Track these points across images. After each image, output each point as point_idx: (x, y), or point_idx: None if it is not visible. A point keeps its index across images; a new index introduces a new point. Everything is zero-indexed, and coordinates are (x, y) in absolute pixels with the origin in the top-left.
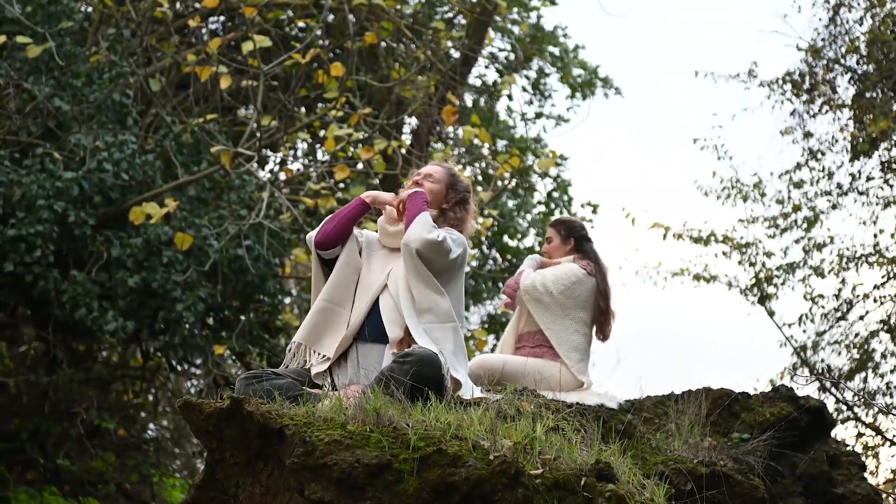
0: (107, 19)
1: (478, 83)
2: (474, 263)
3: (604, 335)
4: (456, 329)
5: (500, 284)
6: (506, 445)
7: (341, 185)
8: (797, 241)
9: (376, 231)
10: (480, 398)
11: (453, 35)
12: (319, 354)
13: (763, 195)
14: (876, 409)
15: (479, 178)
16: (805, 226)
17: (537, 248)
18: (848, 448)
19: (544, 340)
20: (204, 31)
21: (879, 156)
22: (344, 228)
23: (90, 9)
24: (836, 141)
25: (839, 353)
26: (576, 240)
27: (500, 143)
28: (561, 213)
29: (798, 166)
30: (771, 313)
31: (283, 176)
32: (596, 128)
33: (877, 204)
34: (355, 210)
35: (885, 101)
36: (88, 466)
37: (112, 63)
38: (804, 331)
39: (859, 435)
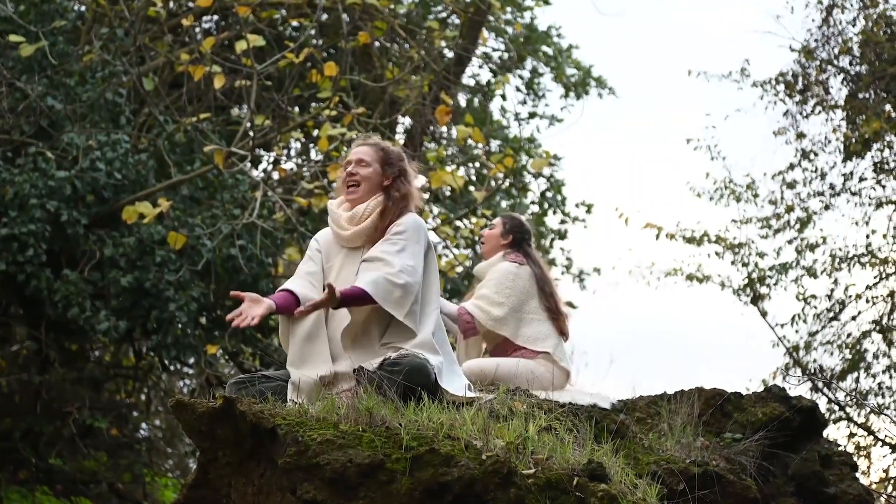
0: (100, 18)
1: (471, 83)
2: (468, 263)
3: (563, 334)
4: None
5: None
6: (498, 445)
7: (334, 184)
8: (790, 242)
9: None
10: (472, 398)
11: (447, 35)
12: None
13: (756, 196)
14: (868, 410)
15: (473, 177)
16: (798, 226)
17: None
18: (840, 448)
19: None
20: (197, 30)
21: (872, 157)
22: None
23: (83, 7)
24: (829, 142)
25: (831, 354)
26: (514, 238)
27: (494, 143)
28: (555, 213)
29: (791, 167)
30: (763, 313)
31: (276, 175)
32: (590, 128)
33: (869, 205)
34: (278, 311)
35: (878, 102)
36: (81, 466)
37: (105, 62)
38: (797, 331)
39: (851, 435)
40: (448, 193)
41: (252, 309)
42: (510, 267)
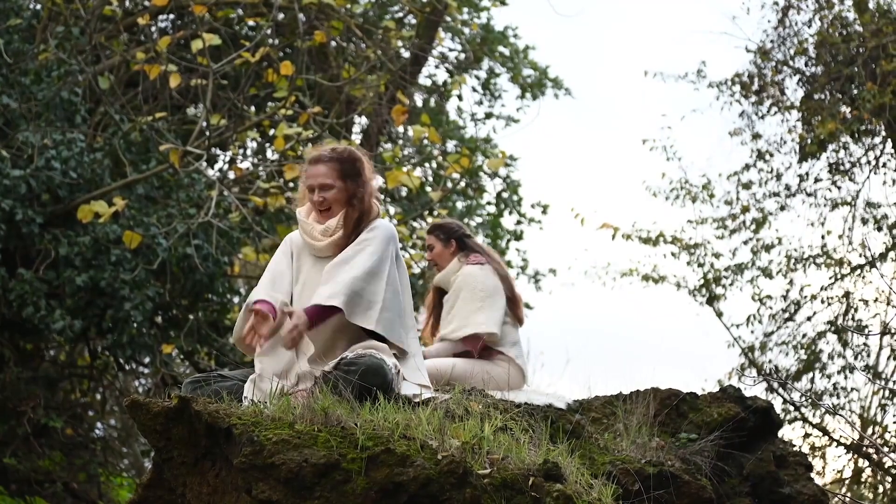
0: (55, 17)
1: (428, 83)
2: (424, 263)
3: (519, 320)
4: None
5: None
6: (454, 445)
7: (291, 184)
8: (745, 243)
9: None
10: (429, 398)
11: (403, 35)
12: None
13: (712, 196)
14: (823, 410)
15: (430, 178)
16: (753, 227)
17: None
18: (795, 448)
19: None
20: (153, 29)
21: (827, 157)
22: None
23: (39, 6)
24: (785, 142)
25: (787, 354)
26: (456, 240)
27: (450, 144)
28: (511, 213)
29: (747, 167)
30: (719, 314)
31: (232, 175)
32: (546, 128)
33: (824, 205)
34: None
35: (834, 103)
36: (35, 465)
37: (61, 61)
38: (752, 331)
39: (806, 435)
40: (404, 193)
41: (262, 328)
42: (473, 270)
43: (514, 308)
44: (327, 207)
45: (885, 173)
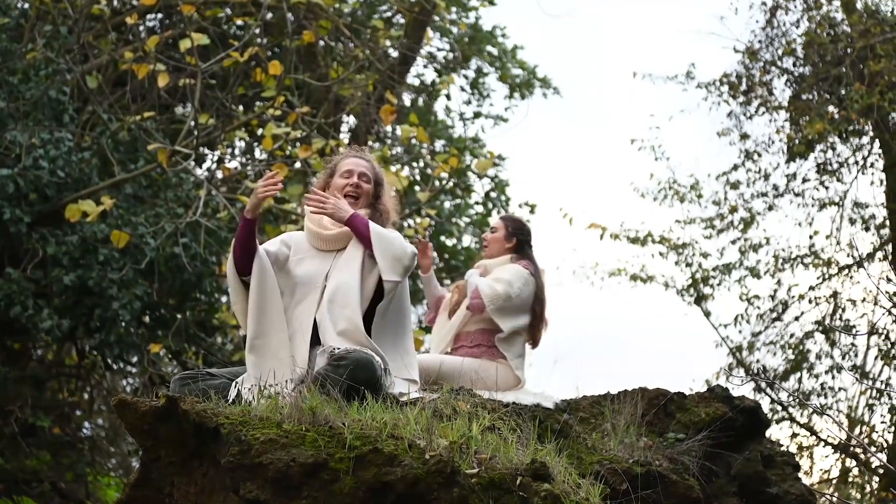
0: (43, 16)
1: (416, 82)
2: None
3: (535, 342)
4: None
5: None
6: (442, 445)
7: (279, 184)
8: (733, 242)
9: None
10: (417, 398)
11: (392, 34)
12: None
13: (700, 196)
14: (810, 410)
15: (418, 177)
16: (741, 227)
17: (475, 248)
18: (782, 448)
19: (483, 339)
20: (141, 28)
21: (815, 157)
22: (249, 251)
23: (27, 5)
24: (773, 143)
25: (774, 354)
26: (518, 241)
27: (439, 143)
28: (499, 212)
29: (735, 168)
30: (707, 314)
31: (220, 174)
32: (534, 128)
33: (812, 205)
34: (245, 230)
35: (821, 103)
36: (23, 465)
37: (49, 60)
38: (740, 331)
39: (794, 435)
40: (392, 194)
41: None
42: (523, 271)
43: (534, 329)
44: (357, 196)
45: (872, 173)
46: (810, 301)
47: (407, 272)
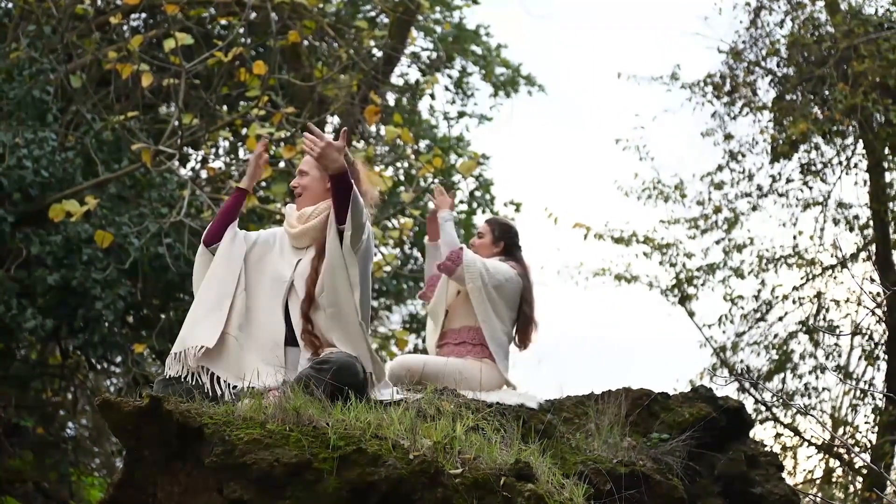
0: (27, 15)
1: (400, 82)
2: (396, 263)
3: (524, 344)
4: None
5: (422, 284)
6: (425, 445)
7: (263, 183)
8: (717, 243)
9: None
10: (399, 399)
11: (376, 34)
12: (196, 348)
13: (684, 196)
14: (794, 410)
15: (402, 177)
16: (725, 227)
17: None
18: (766, 448)
19: (468, 337)
20: (125, 28)
21: (799, 158)
22: (226, 220)
23: (10, 4)
24: (757, 143)
25: (758, 354)
26: (506, 244)
27: (423, 143)
28: (483, 212)
29: (719, 168)
30: (691, 314)
31: (204, 174)
32: (519, 127)
33: (796, 206)
34: (235, 199)
35: (805, 103)
36: (6, 465)
37: (32, 59)
38: (724, 331)
39: (777, 435)
40: (376, 193)
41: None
42: (508, 270)
43: (522, 331)
44: (299, 194)
45: (856, 174)
46: (794, 301)
47: (358, 243)
